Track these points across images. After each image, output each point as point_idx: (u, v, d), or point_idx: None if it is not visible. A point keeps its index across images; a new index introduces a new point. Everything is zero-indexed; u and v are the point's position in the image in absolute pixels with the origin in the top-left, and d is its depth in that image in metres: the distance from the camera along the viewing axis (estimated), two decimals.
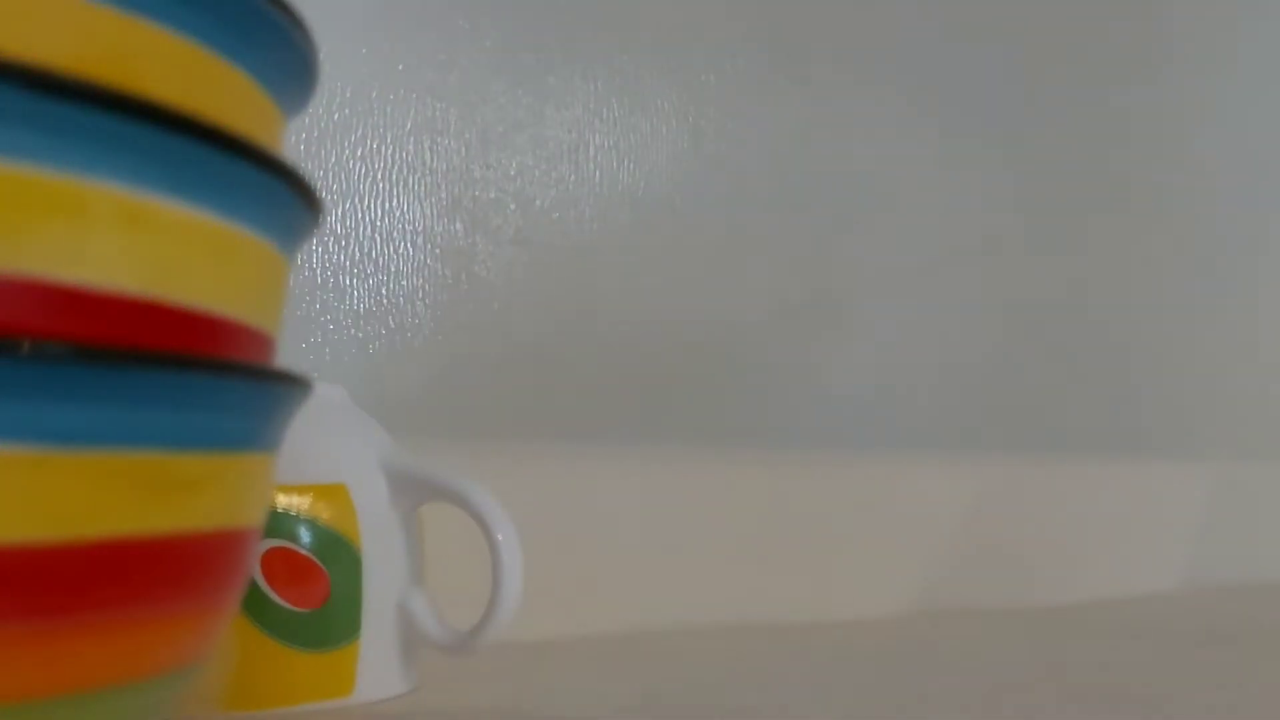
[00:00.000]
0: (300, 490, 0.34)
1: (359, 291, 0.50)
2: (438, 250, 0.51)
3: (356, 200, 0.50)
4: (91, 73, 0.15)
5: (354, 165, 0.50)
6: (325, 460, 0.35)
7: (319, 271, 0.49)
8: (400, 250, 0.51)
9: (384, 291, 0.50)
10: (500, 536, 0.34)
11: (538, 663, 0.44)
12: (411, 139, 0.51)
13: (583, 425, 0.55)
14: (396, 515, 0.36)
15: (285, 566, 0.34)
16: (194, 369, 0.16)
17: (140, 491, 0.15)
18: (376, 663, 0.35)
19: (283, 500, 0.34)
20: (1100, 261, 0.78)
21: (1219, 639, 0.54)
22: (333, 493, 0.35)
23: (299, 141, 0.48)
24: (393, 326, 0.50)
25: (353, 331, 0.49)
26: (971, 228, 0.71)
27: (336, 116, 0.49)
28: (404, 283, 0.51)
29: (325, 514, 0.35)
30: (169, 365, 0.15)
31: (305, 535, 0.34)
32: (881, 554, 0.62)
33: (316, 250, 0.49)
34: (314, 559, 0.34)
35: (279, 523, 0.34)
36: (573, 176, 0.56)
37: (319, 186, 0.49)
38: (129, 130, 0.15)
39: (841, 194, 0.65)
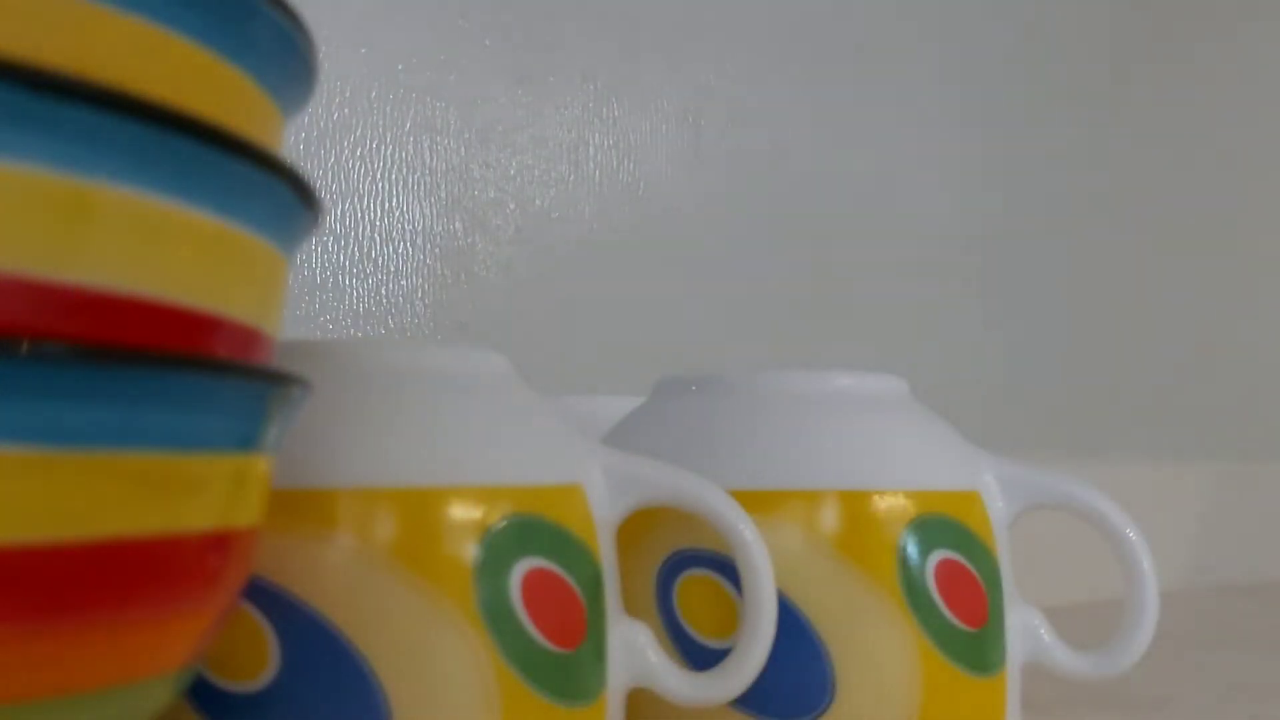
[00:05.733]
0: (531, 493, 0.24)
1: (358, 291, 0.50)
2: (437, 250, 0.51)
3: (356, 200, 0.50)
4: (91, 73, 0.15)
5: (353, 165, 0.50)
6: (554, 454, 0.26)
7: (318, 271, 0.49)
8: (399, 250, 0.51)
9: (383, 291, 0.50)
10: None
11: None
12: (411, 138, 0.51)
13: None
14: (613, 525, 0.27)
15: (548, 593, 0.24)
16: (194, 369, 0.16)
17: (140, 491, 0.15)
18: None
19: (511, 506, 0.24)
20: (1099, 261, 0.78)
21: (1219, 639, 0.54)
22: (568, 496, 0.25)
23: (298, 141, 0.48)
24: (392, 326, 0.50)
25: (352, 331, 0.49)
26: (971, 228, 0.71)
27: (336, 116, 0.49)
28: (403, 282, 0.51)
29: (568, 521, 0.25)
30: (169, 365, 0.15)
31: (555, 550, 0.25)
32: None
33: (316, 250, 0.49)
34: (570, 582, 0.25)
35: (531, 536, 0.24)
36: (573, 176, 0.56)
37: (318, 186, 0.49)
38: (129, 130, 0.15)
39: (842, 194, 0.65)
